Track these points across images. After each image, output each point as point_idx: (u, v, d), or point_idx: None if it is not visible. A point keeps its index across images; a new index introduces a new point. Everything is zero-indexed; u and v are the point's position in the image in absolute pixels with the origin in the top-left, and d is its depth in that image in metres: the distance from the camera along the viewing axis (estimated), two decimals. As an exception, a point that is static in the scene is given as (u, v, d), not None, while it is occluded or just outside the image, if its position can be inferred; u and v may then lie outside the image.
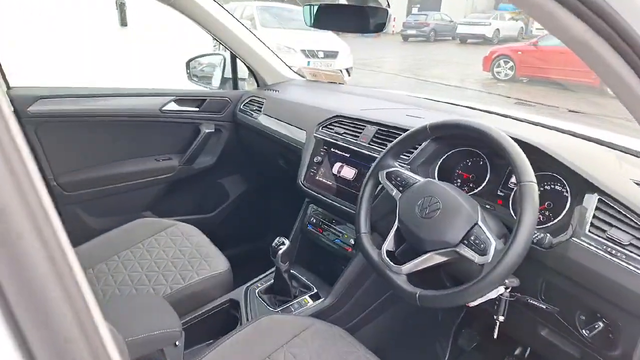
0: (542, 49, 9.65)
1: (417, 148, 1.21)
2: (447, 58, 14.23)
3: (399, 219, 1.01)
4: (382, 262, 1.00)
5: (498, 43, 15.05)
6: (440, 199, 0.96)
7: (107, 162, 1.71)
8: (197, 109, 1.83)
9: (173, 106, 1.77)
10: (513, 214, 1.02)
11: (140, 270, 1.40)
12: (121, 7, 4.41)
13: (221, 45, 1.81)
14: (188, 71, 2.01)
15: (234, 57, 1.89)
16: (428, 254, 0.93)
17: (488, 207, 1.06)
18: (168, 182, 1.83)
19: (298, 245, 1.52)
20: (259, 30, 7.72)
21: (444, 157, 1.19)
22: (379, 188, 1.11)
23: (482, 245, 0.86)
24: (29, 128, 1.50)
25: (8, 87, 1.47)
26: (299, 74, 2.02)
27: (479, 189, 1.12)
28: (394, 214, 1.04)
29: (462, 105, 1.52)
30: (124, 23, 4.63)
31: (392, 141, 1.28)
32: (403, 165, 1.19)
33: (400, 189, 1.05)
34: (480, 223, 0.90)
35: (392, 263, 0.98)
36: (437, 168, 1.20)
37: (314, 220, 1.49)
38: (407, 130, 1.27)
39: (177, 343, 1.26)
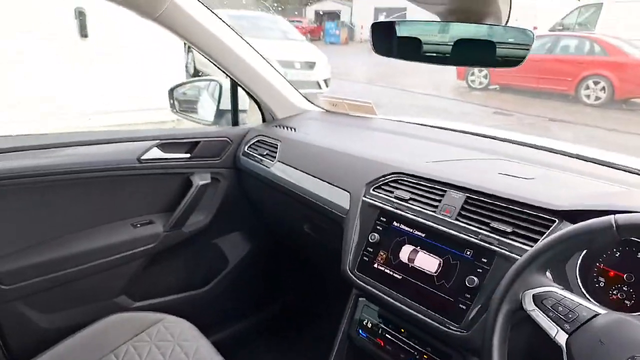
0: (515, 57, 9.64)
1: (544, 234, 0.80)
2: (417, 66, 14.07)
3: None
4: None
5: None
6: None
7: (65, 236, 1.21)
8: (187, 155, 1.35)
9: (156, 153, 1.29)
10: None
11: None
12: (80, 17, 3.83)
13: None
14: (171, 101, 1.54)
15: (234, 85, 1.43)
16: None
17: None
18: (149, 254, 1.34)
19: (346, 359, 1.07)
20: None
21: (586, 250, 0.79)
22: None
23: None
24: None
25: None
26: (315, 104, 1.59)
27: None
28: None
29: (539, 147, 1.14)
30: (84, 34, 4.04)
31: (495, 218, 0.88)
32: (516, 256, 0.79)
33: (567, 326, 0.63)
34: None
35: None
36: (577, 269, 0.79)
37: (370, 325, 1.04)
38: (515, 201, 0.88)
39: None
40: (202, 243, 1.50)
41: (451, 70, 10.47)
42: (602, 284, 0.79)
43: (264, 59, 1.41)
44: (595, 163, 1.04)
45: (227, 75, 1.34)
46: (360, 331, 1.05)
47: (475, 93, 9.79)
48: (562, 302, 0.65)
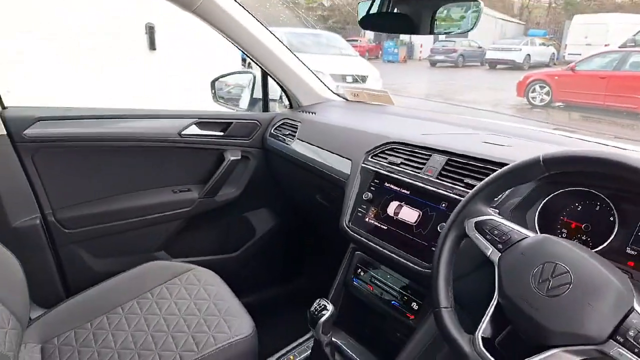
0: (580, 74, 9.25)
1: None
2: (477, 83, 13.88)
3: (503, 292, 0.69)
4: (476, 357, 0.69)
5: (529, 69, 14.69)
6: (570, 268, 0.64)
7: (116, 195, 1.46)
8: (221, 134, 1.57)
9: (194, 130, 1.52)
10: None
11: (145, 330, 1.13)
12: (150, 31, 4.31)
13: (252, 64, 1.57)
14: (213, 91, 1.78)
15: (264, 75, 1.64)
16: (553, 351, 0.61)
17: None
18: (185, 217, 1.56)
19: (340, 304, 1.21)
20: (286, 55, 7.63)
21: (546, 199, 0.88)
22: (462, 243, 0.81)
23: None
24: (25, 154, 1.27)
25: (3, 107, 1.25)
26: (339, 95, 1.76)
27: (604, 245, 0.80)
28: (487, 281, 0.73)
29: (549, 132, 1.22)
30: (152, 47, 4.53)
31: (469, 175, 0.99)
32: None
33: (500, 246, 0.74)
34: (637, 307, 0.59)
35: (492, 359, 0.67)
36: (536, 215, 0.89)
37: (362, 273, 1.18)
38: (489, 160, 0.98)
39: None
40: (232, 214, 1.70)
41: (510, 88, 10.24)
42: (564, 234, 0.87)
43: (293, 53, 1.60)
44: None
45: (257, 65, 1.55)
46: (355, 279, 1.19)
47: (536, 110, 9.47)
48: (499, 227, 0.76)
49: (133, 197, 1.48)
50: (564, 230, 0.87)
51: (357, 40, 20.45)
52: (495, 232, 0.76)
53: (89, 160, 1.39)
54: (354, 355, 1.11)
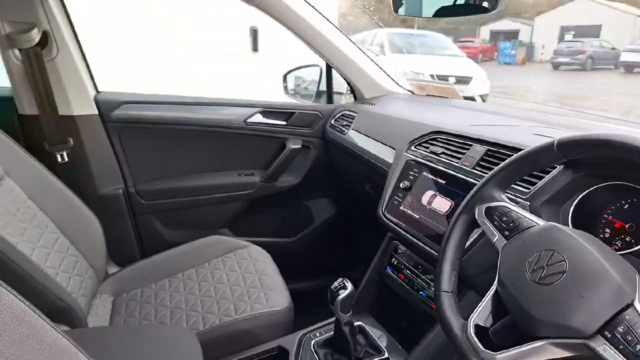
0: None
1: (543, 178, 0.83)
2: (607, 88, 12.36)
3: (500, 280, 0.66)
4: (465, 341, 0.66)
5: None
6: (567, 256, 0.59)
7: (187, 174, 1.62)
8: (284, 123, 1.66)
9: (258, 118, 1.62)
10: None
11: (197, 294, 1.26)
12: (254, 34, 4.64)
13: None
14: (285, 84, 1.88)
15: (329, 68, 1.69)
16: (539, 343, 0.57)
17: None
18: (248, 199, 1.68)
19: (373, 290, 1.21)
20: (387, 56, 7.60)
21: (583, 193, 0.79)
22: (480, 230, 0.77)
23: (638, 347, 0.49)
24: (113, 132, 1.49)
25: (97, 91, 1.47)
26: (405, 88, 1.74)
27: None
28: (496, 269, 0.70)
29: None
30: (255, 49, 4.88)
31: None
32: (519, 199, 0.83)
33: (506, 233, 0.70)
34: (638, 303, 0.52)
35: (479, 345, 0.63)
36: (571, 210, 0.80)
37: (396, 262, 1.17)
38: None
39: None
40: (292, 201, 1.78)
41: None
42: (607, 235, 0.79)
43: (357, 46, 1.62)
44: None
45: (321, 57, 1.60)
46: (388, 267, 1.18)
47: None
48: (509, 214, 0.72)
49: (202, 177, 1.63)
50: (607, 230, 0.78)
51: (471, 42, 19.56)
52: (504, 218, 0.71)
53: (165, 141, 1.57)
54: (376, 339, 1.10)
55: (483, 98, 7.06)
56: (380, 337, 1.12)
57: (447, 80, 6.89)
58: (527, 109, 1.33)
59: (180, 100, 1.56)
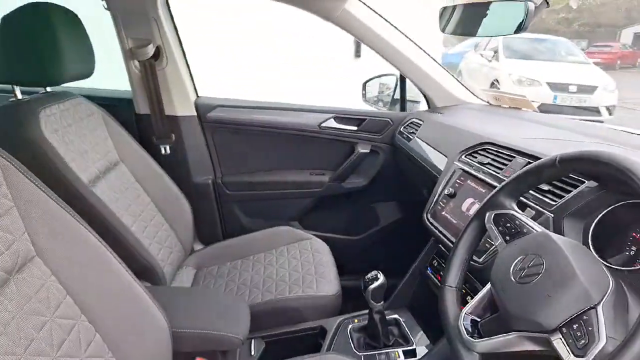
0: None
1: (571, 192, 0.84)
2: None
3: (490, 277, 0.73)
4: (454, 328, 0.74)
5: None
6: (546, 260, 0.65)
7: (266, 170, 1.83)
8: (355, 128, 1.78)
9: (332, 123, 1.77)
10: None
11: (261, 274, 1.45)
12: (357, 41, 4.84)
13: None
14: (363, 92, 1.99)
15: (402, 77, 1.77)
16: (511, 335, 0.64)
17: None
18: (317, 196, 1.84)
19: (413, 288, 1.28)
20: (501, 62, 7.22)
21: (607, 210, 0.79)
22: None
23: (582, 341, 0.55)
24: (208, 131, 1.75)
25: (197, 96, 1.75)
26: (481, 98, 1.74)
27: None
28: None
29: None
30: (357, 55, 5.05)
31: None
32: (545, 211, 0.86)
33: (507, 238, 0.76)
34: (601, 309, 0.57)
35: (464, 332, 0.70)
36: (593, 224, 0.80)
37: (436, 264, 1.22)
38: None
39: (252, 352, 1.23)
40: (360, 202, 1.89)
41: None
42: (632, 252, 0.79)
43: (430, 56, 1.68)
44: None
45: (395, 67, 1.68)
46: (429, 268, 1.24)
47: None
48: (514, 221, 0.77)
49: (279, 173, 1.83)
50: (632, 248, 0.78)
51: (608, 46, 17.46)
52: (508, 224, 0.77)
53: (250, 141, 1.79)
54: (408, 332, 1.17)
55: (610, 110, 6.34)
56: (413, 331, 1.19)
57: (568, 90, 6.34)
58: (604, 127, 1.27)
59: (264, 106, 1.77)
